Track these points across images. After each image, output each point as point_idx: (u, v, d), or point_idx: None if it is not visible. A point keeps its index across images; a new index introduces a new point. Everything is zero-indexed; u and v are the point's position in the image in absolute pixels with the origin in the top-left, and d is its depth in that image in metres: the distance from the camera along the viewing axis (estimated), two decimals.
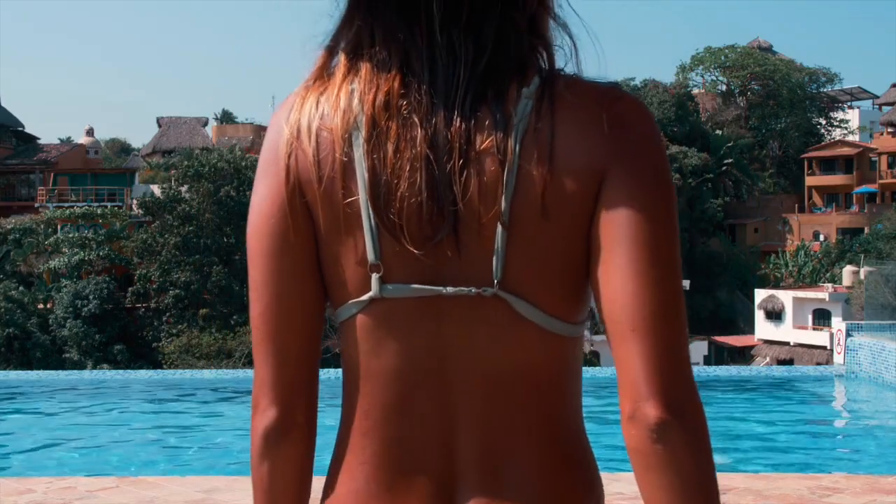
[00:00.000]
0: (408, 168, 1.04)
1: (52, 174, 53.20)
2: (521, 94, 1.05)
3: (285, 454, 1.13)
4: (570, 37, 1.11)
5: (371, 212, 1.05)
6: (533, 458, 1.10)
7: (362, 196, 1.06)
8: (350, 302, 1.10)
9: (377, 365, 1.11)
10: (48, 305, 41.33)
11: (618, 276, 1.02)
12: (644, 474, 1.02)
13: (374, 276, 1.07)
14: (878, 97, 70.31)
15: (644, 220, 1.02)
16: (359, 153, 1.06)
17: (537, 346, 1.08)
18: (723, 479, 5.59)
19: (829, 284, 44.48)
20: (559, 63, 1.11)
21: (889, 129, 60.77)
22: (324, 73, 1.11)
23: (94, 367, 36.36)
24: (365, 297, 1.08)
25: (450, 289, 1.06)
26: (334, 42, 1.12)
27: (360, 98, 1.07)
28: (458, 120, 1.04)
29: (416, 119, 1.05)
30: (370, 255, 1.07)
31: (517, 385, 1.09)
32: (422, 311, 1.08)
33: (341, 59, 1.11)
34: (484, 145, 1.03)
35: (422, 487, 1.11)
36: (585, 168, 1.03)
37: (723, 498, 4.10)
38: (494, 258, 1.04)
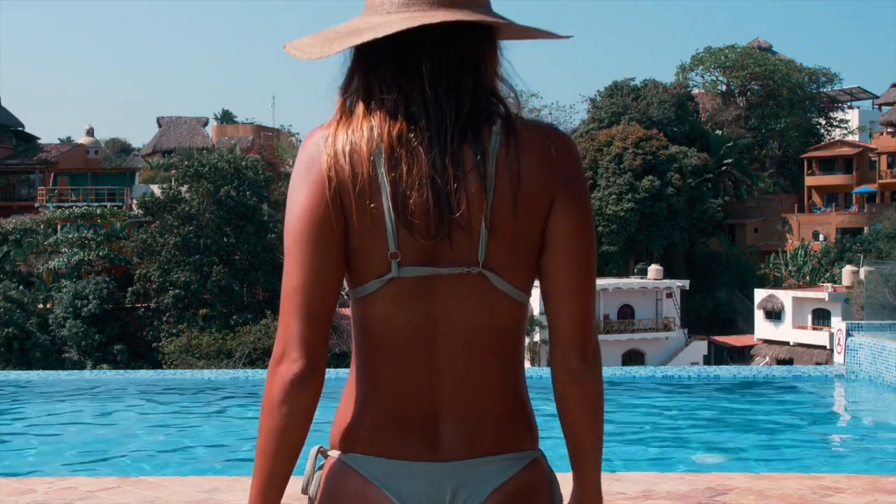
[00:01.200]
0: (417, 183, 1.44)
1: (52, 174, 53.19)
2: (491, 133, 1.48)
3: (305, 397, 1.45)
4: (516, 95, 1.55)
5: (392, 214, 1.45)
6: (497, 395, 1.54)
7: (385, 202, 1.45)
8: (373, 280, 1.48)
9: (388, 327, 1.50)
10: (48, 305, 41.31)
11: (566, 267, 1.50)
12: (563, 404, 1.55)
13: (394, 262, 1.46)
14: (877, 97, 70.33)
15: (578, 231, 1.50)
16: (381, 171, 1.45)
17: (505, 309, 1.51)
18: (724, 479, 5.58)
19: (829, 284, 44.48)
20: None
21: (889, 129, 60.79)
22: (345, 112, 1.51)
23: (94, 367, 36.31)
24: (387, 276, 1.47)
25: (445, 269, 1.47)
26: (345, 89, 1.53)
27: (378, 132, 1.46)
28: (449, 153, 1.45)
29: (420, 149, 1.45)
30: (391, 246, 1.46)
31: (488, 338, 1.52)
32: (424, 285, 1.48)
33: (360, 103, 1.50)
34: (469, 170, 1.45)
35: (415, 420, 1.51)
36: (542, 187, 1.48)
37: (724, 498, 4.10)
38: (479, 247, 1.47)
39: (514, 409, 1.56)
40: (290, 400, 1.45)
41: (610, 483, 5.18)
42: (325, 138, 1.49)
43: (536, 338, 38.41)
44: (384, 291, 1.48)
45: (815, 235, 57.19)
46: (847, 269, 43.24)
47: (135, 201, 46.81)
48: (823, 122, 69.64)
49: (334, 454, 1.55)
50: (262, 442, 1.48)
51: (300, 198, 1.47)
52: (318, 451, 1.56)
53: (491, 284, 1.49)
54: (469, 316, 1.50)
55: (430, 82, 1.47)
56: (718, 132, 59.65)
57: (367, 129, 1.47)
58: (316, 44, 1.50)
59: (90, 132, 64.55)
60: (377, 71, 1.49)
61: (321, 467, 1.55)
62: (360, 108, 1.50)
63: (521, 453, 1.55)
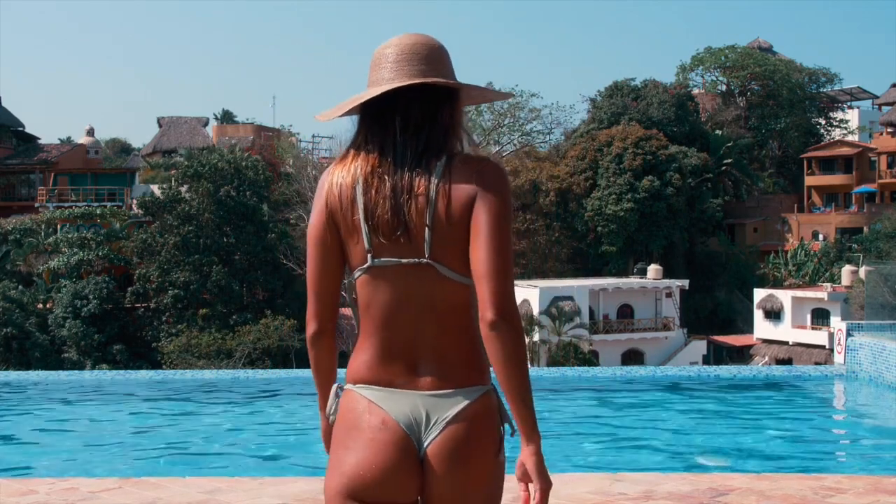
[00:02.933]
0: (381, 201, 2.17)
1: (52, 174, 53.17)
2: (437, 165, 2.18)
3: (320, 348, 2.35)
4: (469, 136, 2.28)
5: (365, 223, 2.19)
6: (456, 348, 2.23)
7: (361, 215, 2.19)
8: (358, 269, 2.23)
9: (374, 301, 2.23)
10: (47, 305, 41.28)
11: (481, 251, 2.13)
12: (488, 350, 2.13)
13: (369, 256, 2.20)
14: (877, 97, 70.34)
15: (491, 225, 2.13)
16: (359, 194, 2.20)
17: (453, 288, 2.20)
18: (725, 479, 5.58)
19: (828, 284, 44.49)
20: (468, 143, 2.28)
21: (888, 129, 60.80)
22: (343, 157, 2.27)
23: (94, 367, 36.27)
24: (365, 266, 2.22)
25: (405, 260, 2.18)
26: (352, 142, 2.28)
27: (359, 169, 2.22)
28: (406, 179, 2.17)
29: (386, 178, 2.18)
30: (366, 245, 2.19)
31: (447, 309, 2.22)
32: (395, 272, 2.20)
33: (352, 150, 2.26)
34: (419, 190, 2.16)
35: (400, 362, 2.23)
36: (466, 200, 2.15)
37: (726, 498, 4.09)
38: (426, 245, 2.16)
39: (470, 356, 2.24)
40: (314, 350, 2.36)
41: (612, 483, 5.17)
42: (329, 174, 2.27)
43: (536, 337, 38.40)
44: (367, 276, 2.23)
45: (815, 235, 57.18)
46: (846, 269, 43.25)
47: (135, 201, 46.77)
48: (823, 122, 69.64)
49: (348, 387, 2.28)
50: (312, 370, 2.40)
51: (312, 217, 2.28)
52: (337, 388, 2.33)
53: (438, 272, 2.18)
54: (429, 292, 2.20)
55: (401, 131, 2.20)
56: (718, 132, 59.64)
57: (354, 167, 2.23)
58: (334, 109, 2.31)
59: (90, 132, 64.52)
60: (370, 126, 2.25)
61: (339, 397, 2.31)
62: (352, 153, 2.26)
63: (476, 387, 2.23)
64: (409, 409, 2.21)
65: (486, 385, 2.25)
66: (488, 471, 2.24)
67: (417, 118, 2.20)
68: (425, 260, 2.16)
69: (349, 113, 2.28)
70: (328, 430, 2.39)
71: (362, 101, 2.22)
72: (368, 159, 2.21)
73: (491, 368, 2.20)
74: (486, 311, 2.12)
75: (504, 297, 2.12)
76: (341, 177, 2.22)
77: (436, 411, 2.20)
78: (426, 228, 2.14)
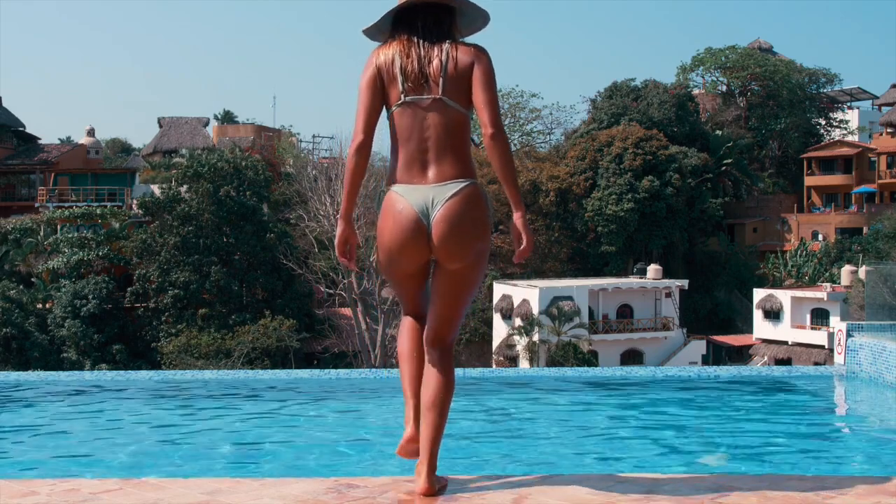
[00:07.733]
0: (411, 62, 3.57)
1: (52, 174, 53.18)
2: (445, 44, 3.59)
3: (360, 157, 3.60)
4: (462, 36, 3.71)
5: (400, 75, 3.57)
6: (453, 155, 3.54)
7: (398, 70, 3.57)
8: (396, 103, 3.57)
9: (403, 125, 3.56)
10: (47, 305, 41.28)
11: (480, 92, 3.53)
12: (490, 156, 3.52)
13: (402, 95, 3.55)
14: (877, 97, 70.41)
15: (484, 76, 3.55)
16: (396, 59, 3.59)
17: (456, 115, 3.56)
18: (726, 480, 5.58)
19: (828, 284, 44.52)
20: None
21: (888, 130, 60.83)
22: (385, 43, 3.67)
23: (93, 367, 36.24)
24: (400, 101, 3.56)
25: (425, 96, 3.55)
26: (389, 38, 3.70)
27: (396, 46, 3.62)
28: (426, 51, 3.58)
29: (413, 51, 3.59)
30: (400, 87, 3.56)
31: (450, 127, 3.55)
32: (416, 105, 3.55)
33: (391, 38, 3.65)
34: (434, 57, 3.57)
35: (417, 167, 3.55)
36: (466, 64, 3.56)
37: (726, 499, 4.04)
38: (439, 88, 3.54)
39: (463, 161, 3.51)
40: (356, 157, 3.57)
41: (612, 484, 5.17)
42: (375, 52, 3.60)
43: (535, 337, 38.37)
44: (399, 109, 3.53)
45: (815, 235, 57.22)
46: (846, 269, 43.29)
47: (135, 201, 46.80)
48: (823, 122, 69.70)
49: (388, 189, 3.53)
50: (345, 177, 3.61)
51: (365, 73, 3.59)
52: (381, 192, 4.02)
53: (446, 103, 3.49)
54: (438, 118, 3.49)
55: (422, 28, 3.57)
56: (718, 132, 59.67)
57: (392, 46, 3.58)
58: (377, 21, 3.63)
59: (91, 132, 64.51)
60: (399, 28, 3.61)
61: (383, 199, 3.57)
62: (390, 41, 3.60)
63: (466, 180, 3.49)
64: (421, 198, 3.47)
65: (474, 178, 3.51)
66: (479, 230, 3.46)
67: (431, 21, 3.58)
68: (438, 96, 3.49)
69: (375, 38, 3.68)
70: (344, 234, 3.59)
71: (398, 6, 3.60)
72: (402, 42, 3.56)
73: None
74: (487, 128, 3.44)
75: (497, 118, 3.46)
76: (385, 52, 3.57)
77: (438, 196, 3.46)
78: (441, 78, 3.49)
